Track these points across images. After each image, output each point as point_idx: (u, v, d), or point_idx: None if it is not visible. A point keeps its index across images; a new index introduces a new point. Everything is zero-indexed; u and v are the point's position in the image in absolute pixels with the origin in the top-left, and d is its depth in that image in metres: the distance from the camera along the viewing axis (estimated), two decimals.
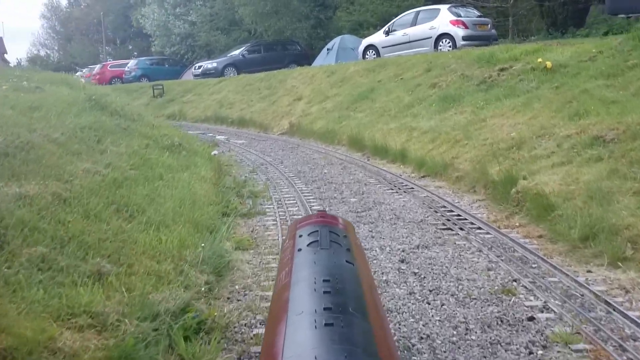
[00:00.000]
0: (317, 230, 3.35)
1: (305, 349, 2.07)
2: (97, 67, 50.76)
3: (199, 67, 36.20)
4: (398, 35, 23.98)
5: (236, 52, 36.08)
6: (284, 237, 6.06)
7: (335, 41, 30.86)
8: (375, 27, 30.46)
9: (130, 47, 68.84)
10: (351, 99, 20.16)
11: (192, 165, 10.50)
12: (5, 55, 69.70)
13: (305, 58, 34.49)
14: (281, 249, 4.12)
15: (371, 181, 11.75)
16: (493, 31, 23.73)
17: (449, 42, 22.10)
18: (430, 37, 22.40)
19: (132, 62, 47.54)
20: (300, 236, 3.39)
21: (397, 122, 15.97)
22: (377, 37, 25.23)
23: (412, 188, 10.82)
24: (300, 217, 6.83)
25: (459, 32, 21.90)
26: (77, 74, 55.66)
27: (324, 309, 2.35)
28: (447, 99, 15.43)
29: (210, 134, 22.67)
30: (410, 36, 23.25)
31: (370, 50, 25.58)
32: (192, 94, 29.64)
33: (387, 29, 24.97)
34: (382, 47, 24.76)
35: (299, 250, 3.18)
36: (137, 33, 60.21)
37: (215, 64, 35.09)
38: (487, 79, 15.38)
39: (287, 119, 21.76)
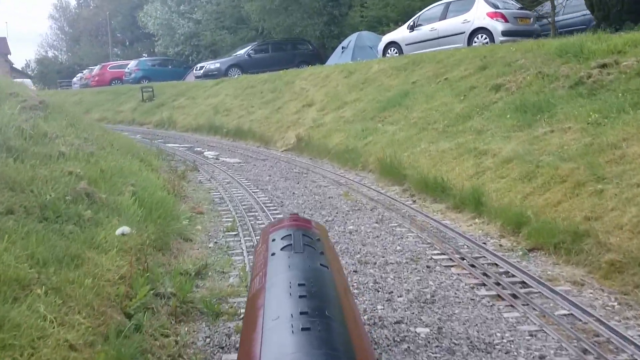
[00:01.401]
0: (291, 234, 3.23)
1: (283, 354, 1.99)
2: (97, 68, 46.02)
3: (201, 67, 31.27)
4: (425, 31, 19.37)
5: (241, 51, 30.95)
6: (256, 242, 5.23)
7: (351, 38, 26.36)
8: (397, 23, 25.86)
9: (140, 49, 64.80)
10: (377, 106, 14.72)
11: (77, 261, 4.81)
12: (8, 56, 65.08)
13: (317, 58, 29.43)
14: (254, 253, 4.00)
15: (438, 259, 6.26)
16: (536, 25, 19.02)
17: (485, 38, 17.48)
18: (463, 33, 17.91)
19: (132, 63, 42.69)
20: (274, 240, 3.25)
21: (452, 141, 10.48)
22: (400, 33, 20.72)
23: (530, 289, 5.29)
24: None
25: (497, 26, 17.33)
26: (77, 75, 51.45)
27: (301, 313, 2.26)
28: (527, 108, 9.92)
29: (198, 149, 17.25)
30: (439, 31, 18.71)
31: (392, 48, 20.80)
32: (184, 98, 24.37)
33: (411, 24, 20.21)
34: (406, 45, 20.03)
35: (273, 254, 3.06)
36: (145, 34, 56.05)
37: (218, 65, 30.00)
38: (585, 79, 9.83)
39: (294, 131, 16.35)
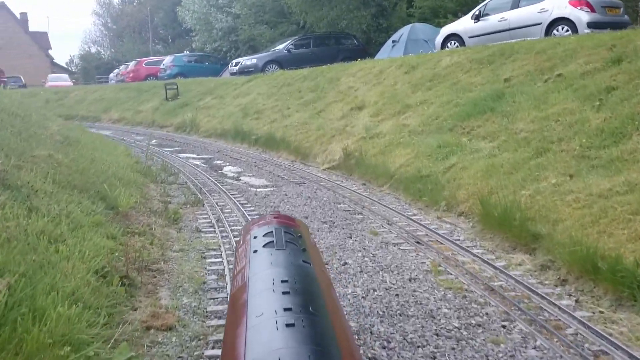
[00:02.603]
0: (272, 231, 3.10)
1: (268, 351, 1.91)
2: (132, 64, 43.07)
3: (236, 63, 27.37)
4: (492, 21, 15.74)
5: (280, 46, 26.88)
6: (237, 239, 5.00)
7: (404, 31, 22.54)
8: (455, 14, 22.26)
9: (181, 45, 61.81)
10: (457, 112, 10.20)
11: None
12: (49, 50, 62.47)
13: (363, 53, 25.18)
14: (235, 250, 3.93)
15: None
16: (626, 16, 15.65)
17: (566, 30, 13.87)
18: (540, 23, 14.50)
19: (167, 59, 39.43)
20: (255, 237, 3.12)
21: (610, 176, 5.97)
22: (462, 24, 17.13)
23: None
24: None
25: (582, 17, 13.88)
26: (114, 71, 48.43)
27: (284, 309, 2.17)
28: None
29: (218, 162, 12.96)
30: (511, 22, 15.34)
31: (452, 41, 17.02)
32: (211, 97, 20.15)
33: (476, 13, 16.38)
34: (469, 37, 16.29)
35: (255, 251, 2.93)
36: (186, 31, 53.01)
37: (254, 60, 25.94)
38: None
39: (339, 142, 11.91)
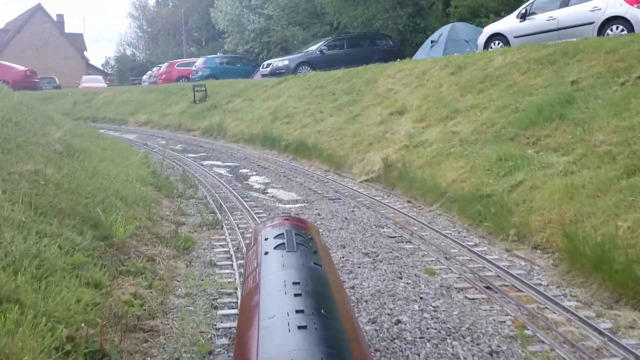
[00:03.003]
0: (283, 233, 3.04)
1: (280, 353, 1.87)
2: (164, 66, 42.34)
3: (268, 65, 26.21)
4: (540, 20, 14.41)
5: (313, 47, 25.57)
6: (248, 241, 4.81)
7: (443, 31, 21.22)
8: (498, 14, 20.84)
9: (214, 48, 61.20)
10: (517, 118, 8.67)
11: None
12: (84, 52, 62.21)
13: (398, 54, 23.69)
14: (246, 252, 3.93)
15: None
16: None
17: (621, 29, 12.40)
18: (592, 23, 13.11)
19: (199, 61, 38.63)
20: (266, 239, 3.07)
21: None
22: (507, 24, 15.76)
23: None
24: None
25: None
26: (147, 73, 47.85)
27: (296, 311, 2.13)
28: None
29: (244, 170, 11.63)
30: (560, 21, 14.02)
31: (496, 41, 15.61)
32: (240, 99, 18.86)
33: (522, 12, 14.98)
34: (515, 37, 14.89)
35: (266, 253, 2.88)
36: (219, 33, 52.37)
37: (286, 62, 24.73)
38: None
39: (379, 151, 10.46)
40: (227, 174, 11.23)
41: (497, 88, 10.46)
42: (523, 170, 7.21)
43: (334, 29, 31.56)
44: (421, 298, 4.71)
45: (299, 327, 2.00)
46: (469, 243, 6.26)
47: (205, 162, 12.65)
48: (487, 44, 15.65)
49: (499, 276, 5.24)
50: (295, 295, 2.29)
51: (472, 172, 7.94)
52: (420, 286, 4.98)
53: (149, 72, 47.03)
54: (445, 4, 27.11)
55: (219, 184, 9.83)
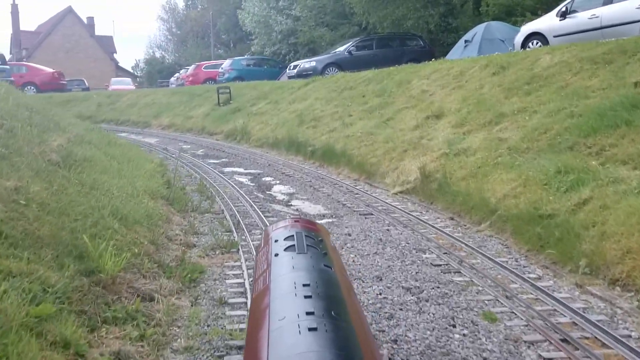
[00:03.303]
0: (293, 235, 3.00)
1: (291, 354, 1.85)
2: (191, 68, 41.86)
3: (295, 66, 25.37)
4: (582, 19, 13.46)
5: (341, 48, 24.62)
6: (258, 242, 4.79)
7: (477, 30, 20.21)
8: (535, 13, 20.00)
9: (242, 50, 60.75)
10: (574, 124, 7.54)
11: None
12: (114, 54, 62.11)
13: (429, 55, 22.62)
14: (256, 254, 3.99)
15: None
16: None
17: None
18: (639, 21, 12.03)
19: (226, 63, 38.13)
20: (276, 241, 3.02)
21: None
22: (546, 22, 14.80)
23: None
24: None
25: None
26: (174, 75, 47.49)
27: (307, 313, 2.10)
28: None
29: (267, 179, 10.67)
30: (603, 19, 13.06)
31: (534, 41, 14.63)
32: (265, 102, 17.90)
33: (563, 10, 13.97)
34: (554, 36, 13.90)
35: (276, 255, 2.83)
36: (247, 35, 51.89)
37: (314, 63, 23.82)
38: None
39: (414, 159, 9.39)
40: (249, 183, 10.26)
41: (546, 90, 9.31)
42: (588, 186, 6.08)
43: (363, 30, 30.59)
44: (484, 358, 3.65)
45: (310, 329, 1.96)
46: (530, 275, 5.17)
47: (226, 169, 11.72)
48: (524, 44, 14.64)
49: (575, 324, 4.16)
50: (306, 297, 2.25)
51: (527, 187, 6.83)
52: (480, 339, 3.92)
53: (176, 74, 46.70)
54: (477, 3, 26.02)
55: (239, 196, 8.86)
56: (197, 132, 18.45)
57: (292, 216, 7.72)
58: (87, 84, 44.02)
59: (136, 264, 4.66)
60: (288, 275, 2.53)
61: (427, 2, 26.35)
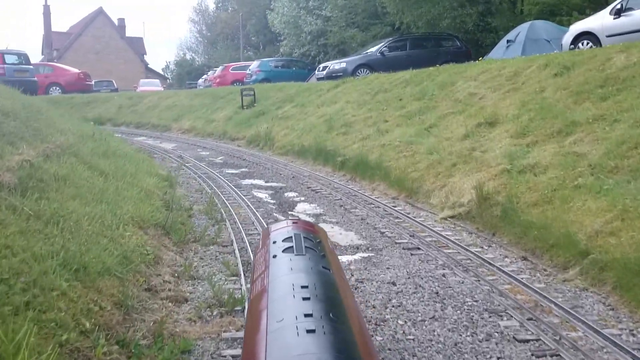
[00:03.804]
0: (291, 236, 2.95)
1: (289, 357, 1.80)
2: (219, 69, 40.75)
3: (324, 67, 23.76)
4: (638, 17, 11.84)
5: (373, 49, 22.94)
6: (256, 244, 4.68)
7: (521, 30, 18.67)
8: (582, 12, 18.78)
9: (271, 52, 59.68)
10: None
11: None
12: (144, 56, 61.32)
13: (466, 56, 20.94)
14: (253, 255, 3.86)
15: None
16: None
17: None
18: None
19: (254, 64, 36.81)
20: (275, 242, 2.96)
21: None
22: (598, 21, 13.38)
23: None
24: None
25: None
26: (202, 77, 46.52)
27: (305, 315, 2.05)
28: None
29: (289, 195, 9.03)
30: None
31: (585, 41, 13.21)
32: (291, 105, 16.28)
33: (618, 8, 12.52)
34: (607, 36, 12.51)
35: (274, 256, 2.77)
36: (277, 36, 50.86)
37: (344, 64, 22.22)
38: None
39: (467, 176, 7.66)
40: (269, 200, 8.63)
41: (628, 94, 7.52)
42: None
43: (395, 30, 28.97)
44: None
45: (308, 331, 1.91)
46: None
47: (245, 182, 10.11)
48: (574, 44, 13.11)
49: None
50: (304, 299, 2.20)
51: (627, 221, 5.07)
52: None
53: (204, 76, 45.74)
54: (518, 2, 24.23)
55: (254, 220, 7.20)
56: (218, 137, 16.91)
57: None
58: (115, 85, 43.16)
59: (82, 350, 3.04)
60: (286, 277, 2.47)
61: (465, 1, 24.63)
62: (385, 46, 22.61)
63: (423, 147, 9.39)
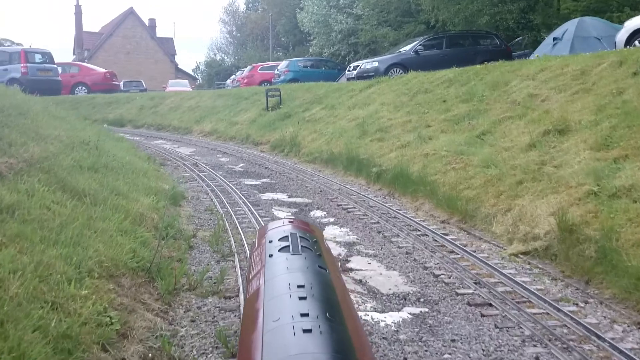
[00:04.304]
0: (288, 236, 2.89)
1: (285, 356, 1.77)
2: (247, 69, 39.66)
3: (355, 67, 22.21)
4: None
5: (407, 47, 21.24)
6: (252, 243, 4.33)
7: (568, 27, 17.04)
8: (636, 7, 17.36)
9: (300, 52, 58.52)
10: None
11: None
12: (174, 56, 60.43)
13: (507, 55, 19.12)
14: (250, 254, 3.75)
15: None
16: None
17: None
18: None
19: (282, 64, 35.52)
20: (271, 242, 2.92)
21: None
22: None
23: None
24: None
25: None
26: (230, 77, 45.48)
27: (301, 315, 2.01)
28: None
29: (316, 215, 7.41)
30: None
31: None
32: (320, 107, 14.66)
33: None
34: None
35: (270, 256, 2.72)
36: (306, 36, 49.68)
37: (376, 64, 20.59)
38: None
39: (540, 198, 5.97)
40: (296, 214, 7.06)
41: None
42: None
43: (430, 28, 27.28)
44: None
45: (304, 331, 1.88)
46: None
47: (265, 196, 8.54)
48: (629, 42, 11.70)
49: None
50: (300, 298, 2.15)
51: None
52: None
53: (232, 77, 44.73)
54: None
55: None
56: (241, 141, 15.40)
57: (352, 293, 4.51)
58: (144, 85, 42.29)
59: None
60: (282, 276, 2.41)
61: None
62: (420, 45, 20.95)
63: (477, 159, 7.70)
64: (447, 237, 6.21)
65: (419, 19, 29.53)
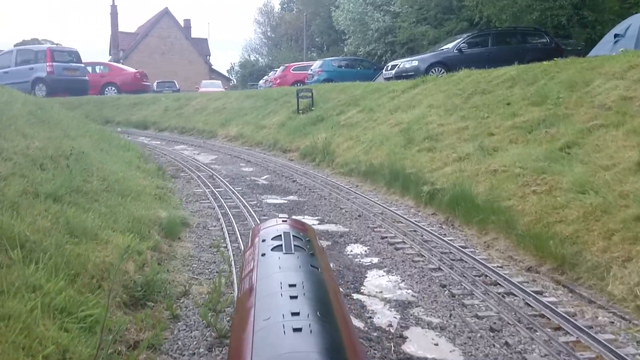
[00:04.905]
0: (281, 235, 2.80)
1: (275, 355, 1.71)
2: (279, 70, 38.27)
3: (393, 66, 20.46)
4: None
5: (449, 45, 19.33)
6: (245, 242, 4.35)
7: (632, 22, 15.11)
8: None
9: (335, 52, 57.12)
10: None
11: None
12: (208, 57, 59.34)
13: (557, 54, 17.03)
14: (243, 253, 3.72)
15: None
16: None
17: None
18: None
19: (316, 64, 33.94)
20: (264, 241, 2.82)
21: None
22: None
23: None
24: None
25: None
26: (263, 78, 44.17)
27: (292, 314, 1.94)
28: None
29: (353, 249, 5.52)
30: None
31: None
32: (357, 109, 12.75)
33: None
34: None
35: (263, 255, 2.64)
36: (341, 37, 48.25)
37: (416, 63, 18.77)
38: None
39: None
40: (328, 247, 5.26)
41: None
42: None
43: (473, 25, 25.24)
44: None
45: (294, 330, 1.83)
46: None
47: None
48: None
49: None
50: (292, 297, 2.09)
51: None
52: None
53: (265, 77, 43.39)
54: None
55: None
56: (268, 148, 13.62)
57: None
58: (177, 86, 41.13)
59: None
60: (274, 276, 2.33)
61: None
62: (464, 42, 18.97)
63: (566, 180, 5.73)
64: (544, 300, 4.27)
65: (460, 16, 27.58)
